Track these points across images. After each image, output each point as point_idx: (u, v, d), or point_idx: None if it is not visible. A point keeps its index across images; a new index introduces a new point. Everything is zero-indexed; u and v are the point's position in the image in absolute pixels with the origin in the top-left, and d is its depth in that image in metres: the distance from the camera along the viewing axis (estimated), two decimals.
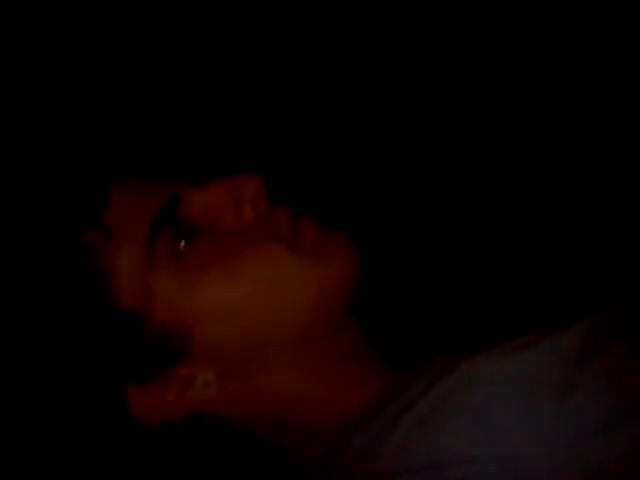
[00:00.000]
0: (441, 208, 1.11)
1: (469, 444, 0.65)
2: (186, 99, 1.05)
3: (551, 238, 1.08)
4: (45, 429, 0.73)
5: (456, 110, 1.14)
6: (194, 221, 0.71)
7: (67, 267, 0.69)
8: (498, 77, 1.13)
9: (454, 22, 1.14)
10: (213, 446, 0.75)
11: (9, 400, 0.72)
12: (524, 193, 1.11)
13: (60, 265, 0.69)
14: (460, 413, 0.67)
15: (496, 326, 0.99)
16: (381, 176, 1.12)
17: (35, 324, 0.70)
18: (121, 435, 0.73)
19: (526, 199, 1.11)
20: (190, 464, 0.76)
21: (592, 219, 1.08)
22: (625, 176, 1.08)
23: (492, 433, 0.65)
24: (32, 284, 0.70)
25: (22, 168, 0.75)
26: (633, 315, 0.70)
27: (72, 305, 0.69)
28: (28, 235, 0.71)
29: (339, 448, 0.70)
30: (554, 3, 1.11)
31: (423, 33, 1.14)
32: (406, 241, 1.09)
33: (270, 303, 0.70)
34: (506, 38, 1.12)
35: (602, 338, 0.68)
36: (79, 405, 0.71)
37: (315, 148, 1.08)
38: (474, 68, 1.14)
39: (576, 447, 0.62)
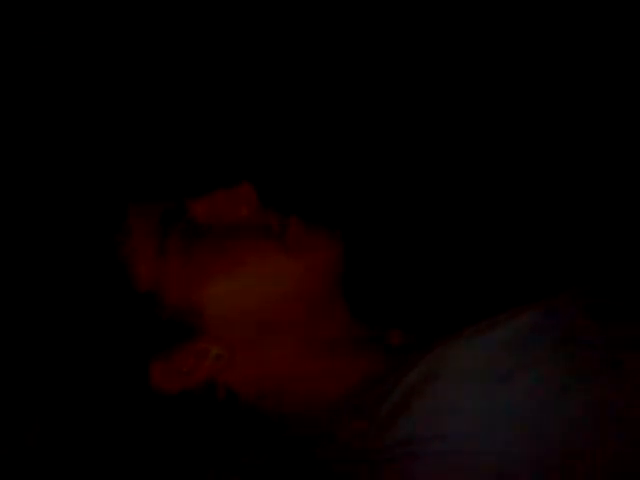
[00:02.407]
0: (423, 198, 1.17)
1: (425, 426, 0.71)
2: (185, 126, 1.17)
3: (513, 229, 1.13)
4: (76, 407, 0.83)
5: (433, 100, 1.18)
6: (199, 222, 0.86)
7: (98, 260, 0.84)
8: (496, 76, 1.16)
9: (454, 22, 1.17)
10: (224, 418, 0.84)
11: (39, 373, 0.83)
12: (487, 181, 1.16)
13: (92, 258, 0.84)
14: (423, 398, 0.73)
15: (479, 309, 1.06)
16: (360, 168, 1.19)
17: (68, 307, 0.82)
18: (143, 408, 0.83)
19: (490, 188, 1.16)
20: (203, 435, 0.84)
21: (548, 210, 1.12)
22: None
23: (444, 415, 0.71)
24: (68, 273, 0.83)
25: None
26: (576, 300, 0.79)
27: (101, 291, 0.82)
28: (69, 234, 0.86)
29: (333, 427, 0.78)
30: (554, 3, 1.14)
31: (422, 33, 1.17)
32: (392, 232, 1.16)
33: (263, 290, 0.83)
34: (506, 38, 1.14)
35: (545, 326, 0.76)
36: (107, 379, 0.82)
37: (299, 157, 1.18)
38: (472, 68, 1.17)
39: (512, 427, 0.68)
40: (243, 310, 0.83)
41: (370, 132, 1.21)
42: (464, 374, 0.73)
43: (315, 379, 0.83)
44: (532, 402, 0.69)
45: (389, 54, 1.21)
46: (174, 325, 0.82)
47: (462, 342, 0.77)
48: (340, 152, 1.21)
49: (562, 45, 1.14)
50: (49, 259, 0.85)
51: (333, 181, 1.19)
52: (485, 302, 1.04)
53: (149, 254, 0.83)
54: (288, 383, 0.84)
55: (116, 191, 0.90)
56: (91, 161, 1.03)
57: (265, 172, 1.13)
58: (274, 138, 1.20)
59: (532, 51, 1.15)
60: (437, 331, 0.87)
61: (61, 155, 1.08)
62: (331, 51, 1.20)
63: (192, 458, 0.83)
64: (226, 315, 0.83)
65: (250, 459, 0.82)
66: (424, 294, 1.12)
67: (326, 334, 0.86)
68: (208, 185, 0.90)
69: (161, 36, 1.19)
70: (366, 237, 1.14)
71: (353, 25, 1.20)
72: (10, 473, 0.83)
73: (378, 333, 0.93)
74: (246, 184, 0.88)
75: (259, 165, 1.16)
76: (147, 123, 1.12)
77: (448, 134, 1.19)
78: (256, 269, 0.83)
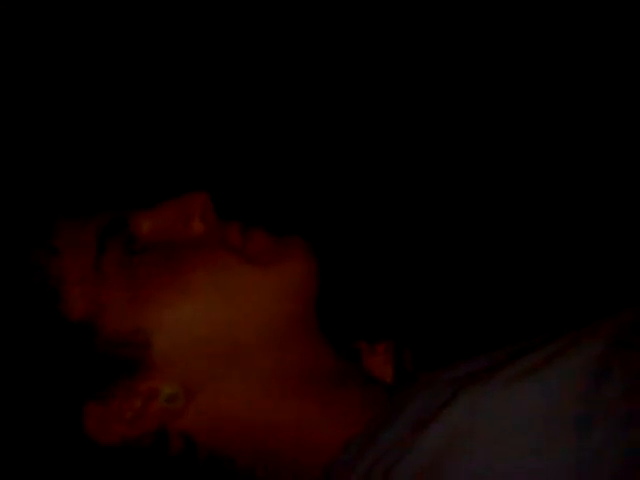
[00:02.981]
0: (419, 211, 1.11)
1: None
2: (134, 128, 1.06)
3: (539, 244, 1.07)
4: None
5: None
6: (144, 239, 0.72)
7: (17, 284, 0.71)
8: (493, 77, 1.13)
9: (454, 22, 1.14)
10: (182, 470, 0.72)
11: None
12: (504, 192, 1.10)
13: (10, 282, 0.71)
14: (459, 463, 0.61)
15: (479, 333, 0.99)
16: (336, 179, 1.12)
17: None
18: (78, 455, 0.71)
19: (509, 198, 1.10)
20: None
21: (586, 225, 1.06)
22: (623, 177, 1.07)
23: None
24: None
25: None
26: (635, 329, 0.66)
27: (24, 319, 0.70)
28: None
29: None
30: (554, 3, 1.11)
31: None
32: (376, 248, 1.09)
33: (223, 311, 0.70)
34: (506, 38, 1.12)
35: (614, 357, 0.63)
36: (34, 423, 0.70)
37: (263, 162, 1.09)
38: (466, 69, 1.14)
39: None
40: (199, 338, 0.69)
41: (343, 137, 1.15)
42: (512, 436, 0.59)
43: (296, 425, 0.71)
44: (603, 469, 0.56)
45: (356, 64, 1.16)
46: (114, 359, 0.69)
47: (501, 389, 0.63)
48: (310, 158, 1.14)
49: (562, 45, 1.11)
50: None
51: (302, 189, 1.07)
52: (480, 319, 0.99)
53: (82, 275, 0.70)
54: (262, 430, 0.70)
55: (43, 200, 0.75)
56: (12, 165, 0.90)
57: (223, 179, 1.01)
58: (233, 140, 1.09)
59: (532, 51, 1.13)
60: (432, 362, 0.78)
61: None
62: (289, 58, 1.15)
63: None
64: (179, 345, 0.69)
65: None
66: (410, 319, 1.03)
67: (304, 367, 0.72)
68: (154, 194, 0.76)
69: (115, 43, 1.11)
70: (343, 252, 1.02)
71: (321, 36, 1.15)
72: None
73: (362, 366, 0.82)
74: (201, 193, 0.74)
75: (216, 170, 1.04)
76: (80, 119, 1.00)
77: (429, 141, 1.15)
78: (214, 287, 0.70)
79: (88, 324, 0.69)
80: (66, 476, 0.70)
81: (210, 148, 1.08)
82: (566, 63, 1.10)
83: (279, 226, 0.75)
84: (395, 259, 1.06)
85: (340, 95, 1.15)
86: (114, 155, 1.02)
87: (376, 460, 0.64)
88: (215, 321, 0.70)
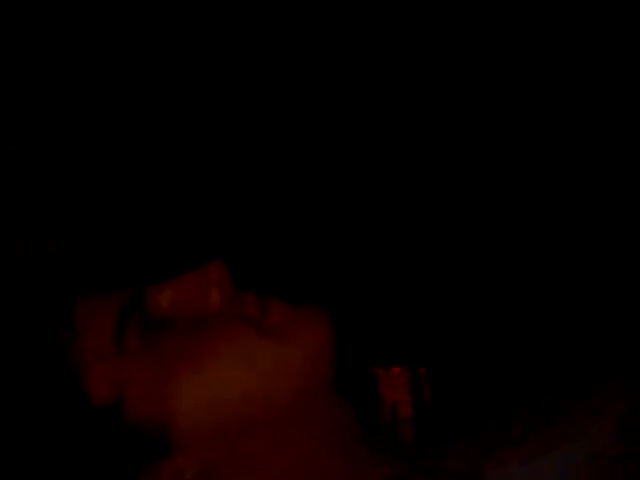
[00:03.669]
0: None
1: None
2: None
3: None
4: None
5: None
6: (163, 315, 0.74)
7: (39, 366, 0.72)
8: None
9: (454, 22, 1.11)
10: None
11: None
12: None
13: (33, 364, 0.72)
14: None
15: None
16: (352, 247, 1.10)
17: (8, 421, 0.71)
18: None
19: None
20: None
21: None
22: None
23: None
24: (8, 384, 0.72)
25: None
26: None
27: (48, 403, 0.71)
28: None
29: None
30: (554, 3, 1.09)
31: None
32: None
33: (244, 387, 0.71)
34: (506, 38, 1.09)
35: (622, 446, 0.66)
36: None
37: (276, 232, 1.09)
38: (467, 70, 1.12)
39: None
40: (221, 415, 0.70)
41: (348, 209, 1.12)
42: None
43: None
44: None
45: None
46: (138, 443, 0.70)
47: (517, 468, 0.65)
48: (321, 225, 1.12)
49: (562, 45, 1.09)
50: None
51: (316, 257, 1.08)
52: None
53: (103, 355, 0.72)
54: None
55: (60, 282, 0.77)
56: (27, 244, 0.92)
57: (238, 250, 1.01)
58: (245, 211, 1.09)
59: (532, 51, 1.10)
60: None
61: None
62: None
63: None
64: (201, 424, 0.70)
65: None
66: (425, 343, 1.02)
67: (323, 433, 0.73)
68: (171, 268, 0.77)
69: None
70: (358, 315, 1.02)
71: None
72: None
73: (382, 431, 0.83)
74: (218, 263, 0.76)
75: (230, 242, 1.05)
76: (95, 194, 1.02)
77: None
78: (233, 363, 0.71)
79: (111, 407, 0.70)
80: None
81: (222, 213, 1.09)
82: (566, 63, 1.08)
83: (292, 293, 0.76)
84: (409, 283, 1.06)
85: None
86: (126, 228, 1.03)
87: None
88: (234, 395, 0.71)
